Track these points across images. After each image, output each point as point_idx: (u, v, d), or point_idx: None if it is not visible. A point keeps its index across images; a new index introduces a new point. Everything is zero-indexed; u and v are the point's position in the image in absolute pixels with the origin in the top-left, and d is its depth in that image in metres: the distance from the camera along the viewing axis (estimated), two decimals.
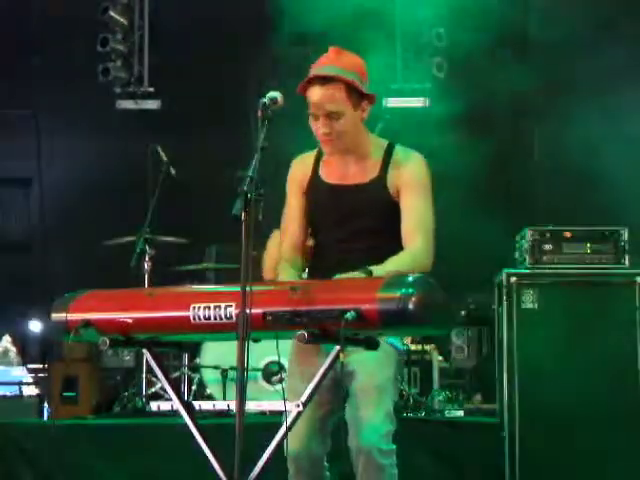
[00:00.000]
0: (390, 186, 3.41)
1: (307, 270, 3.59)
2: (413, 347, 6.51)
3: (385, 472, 3.26)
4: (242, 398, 2.77)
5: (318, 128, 3.37)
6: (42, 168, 8.55)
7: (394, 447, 3.31)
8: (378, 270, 3.14)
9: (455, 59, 8.25)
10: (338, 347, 2.86)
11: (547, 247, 5.21)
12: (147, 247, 6.17)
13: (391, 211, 3.40)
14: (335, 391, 3.39)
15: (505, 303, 5.10)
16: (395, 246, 3.36)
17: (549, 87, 8.19)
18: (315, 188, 3.50)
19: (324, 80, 3.33)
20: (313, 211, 3.53)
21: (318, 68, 3.38)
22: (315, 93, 3.34)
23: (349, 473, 3.41)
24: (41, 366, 7.04)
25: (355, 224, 3.41)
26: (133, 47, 8.76)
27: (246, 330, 2.75)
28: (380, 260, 3.25)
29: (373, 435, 3.24)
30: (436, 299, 2.80)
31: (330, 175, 3.50)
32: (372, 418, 3.25)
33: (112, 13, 8.49)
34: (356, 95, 3.36)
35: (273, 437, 2.96)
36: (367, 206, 3.41)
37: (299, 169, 3.56)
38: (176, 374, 6.31)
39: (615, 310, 5.04)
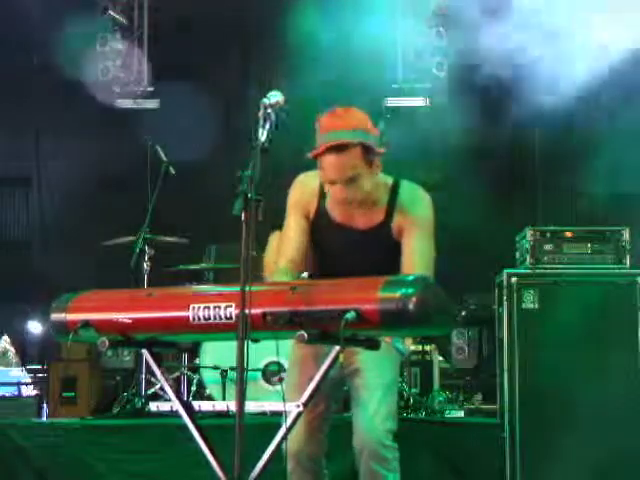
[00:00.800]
0: (394, 227, 3.42)
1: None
2: (413, 347, 6.51)
3: (390, 465, 3.29)
4: (242, 398, 2.77)
5: (335, 193, 3.34)
6: (42, 168, 8.54)
7: (396, 445, 3.34)
8: None
9: (455, 58, 8.25)
10: (338, 347, 2.85)
11: (548, 247, 5.20)
12: (147, 247, 6.16)
13: (394, 252, 3.41)
14: (334, 390, 3.41)
15: (505, 303, 5.09)
16: None
17: (550, 86, 8.18)
18: (321, 222, 3.49)
19: (340, 147, 3.26)
20: (317, 244, 3.52)
21: (330, 134, 3.29)
22: (331, 161, 3.28)
23: (349, 472, 3.41)
24: (40, 366, 7.03)
25: (358, 265, 3.37)
26: (133, 46, 8.75)
27: (246, 330, 2.74)
28: None
29: (378, 430, 3.27)
30: (436, 299, 2.79)
31: (336, 212, 3.48)
32: (377, 414, 3.29)
33: (112, 12, 8.48)
34: (370, 154, 3.32)
35: (273, 437, 2.96)
36: (372, 250, 3.42)
37: (303, 193, 3.52)
38: (175, 374, 6.29)
39: (616, 310, 5.04)
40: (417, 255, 3.38)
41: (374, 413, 3.29)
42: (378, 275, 3.24)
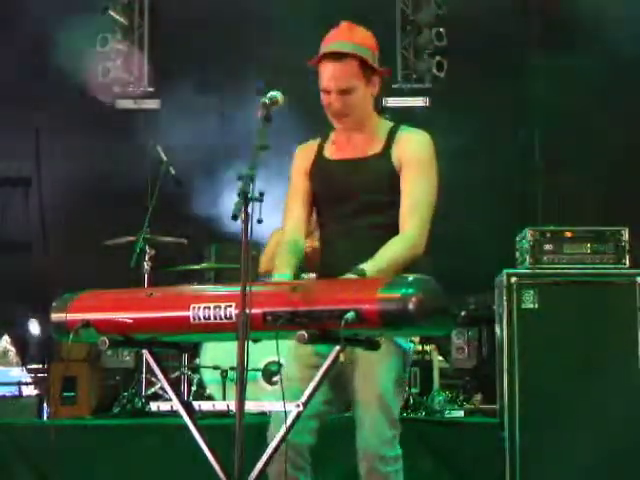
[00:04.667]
0: (394, 159, 3.39)
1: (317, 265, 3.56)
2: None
3: (391, 479, 3.25)
4: (242, 398, 2.77)
5: (330, 103, 3.36)
6: (42, 168, 8.54)
7: (399, 452, 3.29)
8: (370, 268, 3.15)
9: (455, 58, 8.27)
10: (338, 347, 2.85)
11: (547, 247, 5.21)
12: (147, 247, 6.16)
13: (394, 185, 3.38)
14: (331, 389, 3.35)
15: (505, 303, 5.10)
16: (396, 223, 3.35)
17: (549, 86, 8.19)
18: (318, 167, 3.49)
19: (338, 56, 3.32)
20: (316, 190, 3.50)
21: (331, 44, 3.36)
22: (329, 69, 3.33)
23: (351, 473, 3.39)
24: (40, 366, 7.03)
25: (357, 199, 3.39)
26: (133, 47, 8.76)
27: (246, 330, 2.74)
28: (381, 238, 3.27)
29: (375, 442, 3.23)
30: (436, 299, 2.78)
31: (334, 153, 3.49)
32: (374, 424, 3.24)
33: (112, 13, 8.49)
34: (369, 70, 3.36)
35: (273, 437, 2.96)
36: (370, 179, 3.39)
37: (303, 155, 3.54)
38: (176, 374, 6.30)
39: (615, 310, 5.04)
40: (412, 204, 3.34)
41: (371, 426, 3.24)
42: (378, 218, 3.32)
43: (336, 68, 3.32)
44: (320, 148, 3.53)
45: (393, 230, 3.34)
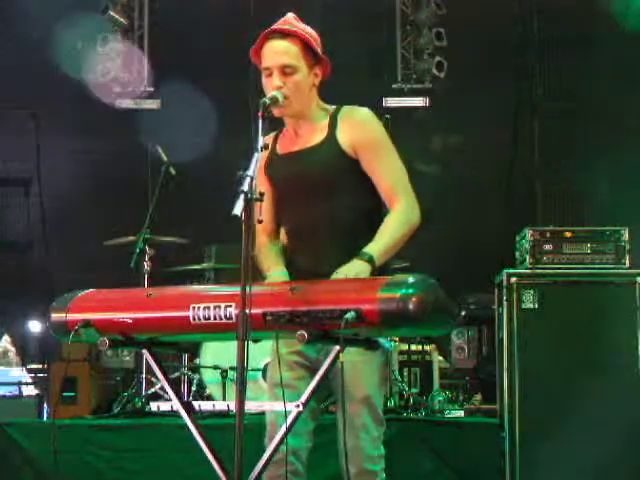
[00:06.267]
0: (343, 142, 3.32)
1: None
2: (413, 347, 6.51)
3: (377, 478, 3.26)
4: (242, 398, 2.77)
5: (270, 83, 3.30)
6: (42, 168, 8.53)
7: (383, 452, 3.30)
8: (375, 249, 3.15)
9: (455, 59, 8.27)
10: (338, 347, 2.85)
11: (547, 247, 5.22)
12: (147, 247, 6.16)
13: (347, 168, 3.32)
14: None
15: (505, 303, 5.10)
16: (357, 212, 3.31)
17: (549, 87, 8.20)
18: (272, 164, 3.45)
19: (281, 34, 3.31)
20: (274, 188, 3.45)
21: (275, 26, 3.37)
22: (271, 46, 3.31)
23: (336, 475, 3.38)
24: (41, 366, 7.04)
25: (313, 190, 3.33)
26: (133, 47, 8.75)
27: (246, 330, 2.74)
28: (347, 228, 3.26)
29: (365, 442, 3.24)
30: (436, 299, 2.79)
31: (283, 147, 3.45)
32: (364, 425, 3.25)
33: (112, 12, 8.49)
34: (311, 56, 3.33)
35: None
36: (321, 167, 3.33)
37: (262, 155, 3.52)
38: (176, 374, 6.30)
39: (615, 310, 5.05)
40: (391, 181, 3.30)
41: (360, 428, 3.24)
42: (336, 211, 3.27)
43: (279, 44, 3.30)
44: (274, 144, 3.48)
45: (361, 217, 3.30)
